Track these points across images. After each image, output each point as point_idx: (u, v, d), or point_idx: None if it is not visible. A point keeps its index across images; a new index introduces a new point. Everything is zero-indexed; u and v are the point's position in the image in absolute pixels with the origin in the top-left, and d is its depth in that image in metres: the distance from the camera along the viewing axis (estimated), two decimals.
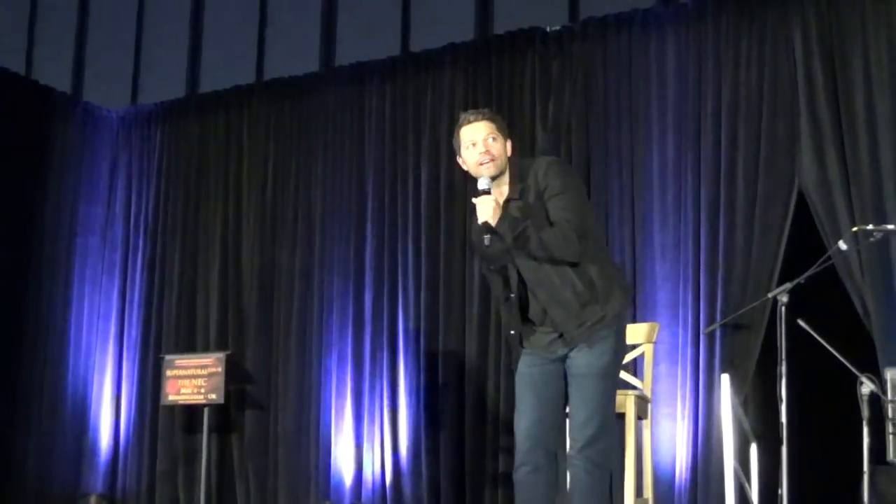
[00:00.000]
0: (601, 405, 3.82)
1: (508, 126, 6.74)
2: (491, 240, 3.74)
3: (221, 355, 7.22)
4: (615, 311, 3.87)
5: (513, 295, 3.91)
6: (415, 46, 7.35)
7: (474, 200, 3.80)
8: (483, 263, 4.04)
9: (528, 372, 3.93)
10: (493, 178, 3.84)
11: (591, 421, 3.78)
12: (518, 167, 3.91)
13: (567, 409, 3.95)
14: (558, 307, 3.82)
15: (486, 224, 3.74)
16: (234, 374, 7.32)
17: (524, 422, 3.87)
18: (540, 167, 3.87)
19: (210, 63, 8.19)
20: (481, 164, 3.83)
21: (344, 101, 7.48)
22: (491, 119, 3.91)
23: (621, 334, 3.93)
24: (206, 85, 8.18)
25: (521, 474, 3.84)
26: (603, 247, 4.28)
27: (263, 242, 7.63)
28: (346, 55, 7.61)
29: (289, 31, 7.83)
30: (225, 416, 7.45)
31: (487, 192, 3.78)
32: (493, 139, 3.87)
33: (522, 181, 3.86)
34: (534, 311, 3.90)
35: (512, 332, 3.97)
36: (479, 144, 3.85)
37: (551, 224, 3.79)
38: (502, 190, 3.88)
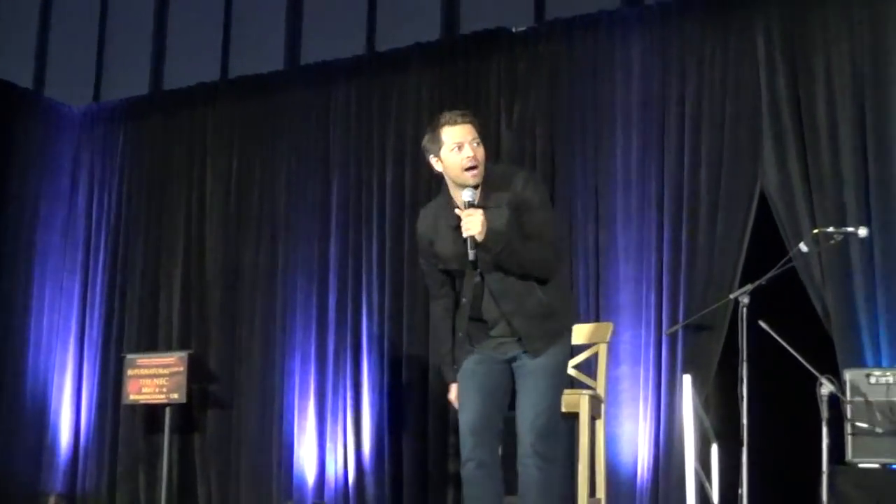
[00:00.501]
0: (551, 404, 3.84)
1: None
2: (476, 254, 3.68)
3: (184, 354, 7.18)
4: (571, 323, 4.00)
5: (465, 300, 3.88)
6: (381, 46, 7.34)
7: (462, 213, 3.71)
8: (432, 261, 3.98)
9: (474, 370, 3.92)
10: (475, 187, 3.77)
11: (542, 418, 3.79)
12: (490, 173, 3.84)
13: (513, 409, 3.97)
14: (523, 317, 3.83)
15: (472, 238, 3.67)
16: (197, 373, 7.28)
17: (469, 418, 3.86)
18: (518, 180, 3.82)
19: (174, 60, 8.14)
20: (467, 170, 3.76)
21: (309, 100, 7.46)
22: (473, 122, 3.84)
23: (570, 341, 4.03)
24: (171, 82, 8.13)
25: (468, 470, 3.83)
26: (563, 263, 4.29)
27: (227, 241, 7.60)
28: (311, 53, 7.59)
29: (254, 29, 7.79)
30: (187, 415, 7.40)
31: (473, 205, 3.71)
32: (478, 144, 3.81)
33: (496, 189, 3.81)
34: (490, 316, 3.88)
35: (461, 333, 3.93)
36: (465, 148, 3.77)
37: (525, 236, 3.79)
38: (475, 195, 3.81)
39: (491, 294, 3.84)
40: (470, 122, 3.82)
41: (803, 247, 5.11)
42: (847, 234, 5.12)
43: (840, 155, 5.73)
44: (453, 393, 4.01)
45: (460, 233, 3.72)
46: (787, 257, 5.08)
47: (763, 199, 5.92)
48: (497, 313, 3.85)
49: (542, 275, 3.82)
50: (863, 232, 5.01)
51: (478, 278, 3.84)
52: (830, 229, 5.23)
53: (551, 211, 3.91)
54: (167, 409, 7.16)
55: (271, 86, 7.61)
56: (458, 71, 6.96)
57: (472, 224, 3.66)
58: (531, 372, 3.84)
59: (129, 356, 7.39)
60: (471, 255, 3.68)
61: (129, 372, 7.29)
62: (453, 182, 3.84)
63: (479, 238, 3.67)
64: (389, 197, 7.03)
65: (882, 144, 5.65)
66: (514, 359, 3.90)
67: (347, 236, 7.15)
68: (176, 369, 7.13)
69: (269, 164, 7.55)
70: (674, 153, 6.19)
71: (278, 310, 7.31)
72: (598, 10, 6.54)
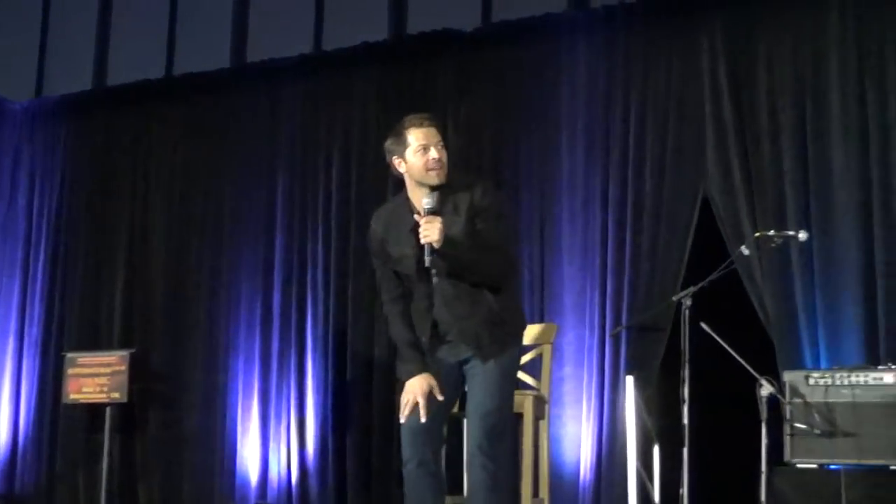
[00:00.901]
0: (500, 406, 3.86)
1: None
2: (432, 261, 3.72)
3: (125, 353, 7.12)
4: (521, 331, 4.03)
5: (424, 303, 3.91)
6: (328, 45, 7.31)
7: (421, 220, 3.74)
8: (385, 261, 4.01)
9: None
10: (434, 189, 3.81)
11: (490, 419, 3.80)
12: (449, 180, 3.87)
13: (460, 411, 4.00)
14: (475, 323, 3.86)
15: (430, 244, 3.70)
16: (139, 372, 7.21)
17: (413, 417, 3.85)
18: (478, 188, 3.86)
19: (119, 56, 8.04)
20: (431, 171, 3.81)
21: (255, 99, 7.42)
22: (437, 126, 3.89)
23: (519, 348, 4.05)
24: (115, 78, 8.04)
25: (409, 469, 3.84)
26: (515, 273, 4.32)
27: (171, 240, 7.54)
28: (258, 52, 7.54)
29: (199, 26, 7.72)
30: (128, 415, 7.33)
31: (434, 212, 3.74)
32: (442, 147, 3.86)
33: (454, 195, 3.84)
34: (442, 319, 3.91)
35: (423, 338, 3.95)
36: (431, 150, 3.82)
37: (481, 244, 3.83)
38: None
39: (443, 299, 3.87)
40: (435, 126, 3.87)
41: (744, 250, 5.18)
42: (787, 238, 5.19)
43: (781, 160, 5.82)
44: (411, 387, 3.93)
45: (416, 236, 3.76)
46: (729, 260, 5.14)
47: (706, 202, 5.99)
48: (449, 318, 3.88)
49: (495, 283, 3.86)
50: (802, 236, 5.08)
51: (434, 279, 3.86)
52: (771, 233, 5.30)
53: (508, 221, 3.98)
54: (108, 409, 7.09)
55: (217, 84, 7.55)
56: (406, 71, 6.96)
57: (431, 231, 3.69)
58: (481, 374, 3.86)
59: (70, 355, 7.31)
60: (427, 261, 3.72)
61: (70, 371, 7.20)
62: (415, 183, 3.87)
63: (437, 245, 3.69)
64: (335, 197, 7.01)
65: (821, 151, 5.75)
66: (465, 361, 3.92)
67: (293, 236, 7.12)
68: (117, 368, 7.06)
69: (214, 163, 7.49)
70: (618, 156, 6.25)
71: (222, 309, 7.26)
72: (545, 13, 6.57)
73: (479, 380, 3.88)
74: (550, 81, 6.52)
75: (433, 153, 3.82)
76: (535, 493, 4.91)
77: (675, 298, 5.08)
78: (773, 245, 5.31)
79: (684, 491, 4.74)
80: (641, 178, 6.15)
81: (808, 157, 5.77)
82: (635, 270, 6.07)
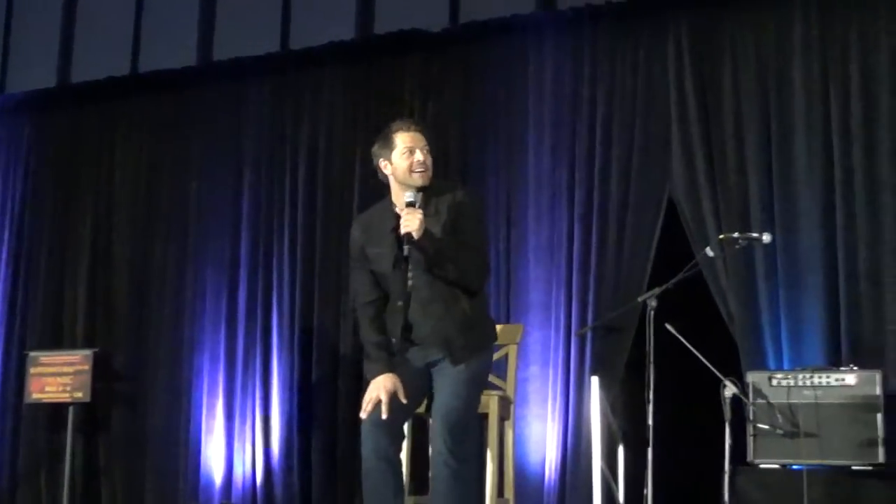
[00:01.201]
0: (467, 406, 3.90)
1: (387, 126, 6.79)
2: (409, 250, 3.83)
3: (89, 353, 7.07)
4: (492, 339, 4.14)
5: (400, 303, 3.98)
6: (295, 44, 7.27)
7: (403, 212, 3.88)
8: (364, 264, 4.09)
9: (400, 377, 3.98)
10: (419, 191, 3.95)
11: (455, 416, 3.84)
12: (432, 184, 4.03)
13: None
14: (448, 324, 3.93)
15: (408, 235, 3.82)
16: (103, 371, 7.16)
17: (374, 413, 3.90)
18: (458, 192, 4.04)
19: (83, 52, 7.96)
20: (415, 172, 3.97)
21: (221, 97, 7.40)
22: (424, 132, 4.07)
23: (491, 357, 4.15)
24: (79, 75, 7.96)
25: (368, 462, 3.88)
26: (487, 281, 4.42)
27: (135, 237, 7.49)
28: (224, 50, 7.49)
29: (166, 23, 7.65)
30: (91, 415, 7.28)
31: (414, 206, 3.88)
32: (427, 152, 4.02)
33: (436, 197, 3.99)
34: (416, 320, 3.98)
35: (394, 339, 4.03)
36: (417, 153, 3.98)
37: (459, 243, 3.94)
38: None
39: (418, 300, 3.95)
40: (421, 132, 4.05)
41: (709, 251, 5.20)
42: (751, 240, 5.21)
43: (745, 162, 5.86)
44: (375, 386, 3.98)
45: (397, 235, 3.89)
46: (694, 261, 5.17)
47: (671, 203, 6.03)
48: (422, 319, 3.96)
49: (470, 283, 3.96)
50: (766, 238, 5.11)
51: (409, 281, 3.95)
52: (735, 235, 5.33)
53: (485, 226, 4.15)
54: (71, 409, 7.03)
55: (183, 81, 7.50)
56: (373, 70, 6.96)
57: (411, 222, 3.82)
58: (450, 375, 3.92)
59: (32, 354, 7.25)
60: (405, 250, 3.83)
61: (32, 370, 7.15)
62: (399, 184, 4.01)
63: (416, 235, 3.82)
64: (302, 195, 6.99)
65: (785, 153, 5.79)
66: (434, 363, 3.98)
67: (259, 233, 7.10)
68: (80, 367, 7.01)
69: (179, 161, 7.46)
70: (585, 156, 6.27)
71: (187, 307, 7.22)
72: (512, 14, 6.57)
73: (448, 381, 3.92)
74: (517, 82, 6.54)
75: (418, 156, 3.98)
76: (500, 493, 4.92)
77: (640, 299, 5.10)
78: (737, 247, 5.34)
79: (648, 491, 4.76)
80: (607, 179, 6.18)
81: (773, 160, 5.82)
82: (601, 271, 6.09)
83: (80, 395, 6.98)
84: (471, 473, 3.92)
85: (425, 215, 3.90)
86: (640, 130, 6.15)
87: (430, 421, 3.93)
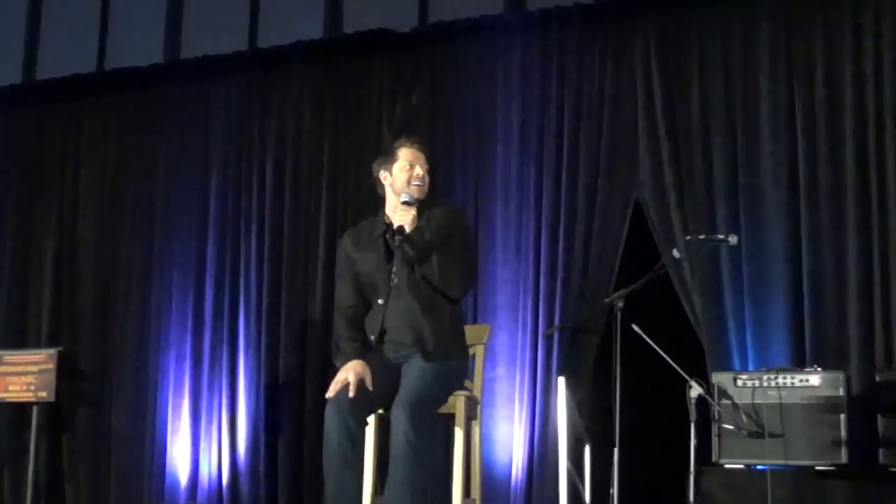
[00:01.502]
0: (431, 392, 4.00)
1: (355, 127, 6.81)
2: (400, 241, 4.09)
3: (53, 352, 7.01)
4: (463, 354, 4.34)
5: (381, 301, 4.18)
6: (263, 42, 7.25)
7: (399, 207, 4.15)
8: (351, 270, 4.31)
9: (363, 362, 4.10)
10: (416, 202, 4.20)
11: (418, 393, 3.94)
12: (428, 202, 4.31)
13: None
14: (425, 327, 4.11)
15: (400, 228, 4.08)
16: (67, 371, 7.11)
17: (341, 394, 3.98)
18: (445, 208, 4.36)
19: (49, 49, 7.89)
20: (413, 185, 4.24)
21: (189, 95, 7.36)
22: (427, 153, 4.37)
23: (463, 371, 4.35)
24: (45, 72, 7.89)
25: (329, 434, 3.95)
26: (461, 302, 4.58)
27: (101, 236, 7.44)
28: (191, 48, 7.45)
29: (133, 20, 7.60)
30: (56, 414, 7.22)
31: (410, 205, 4.15)
32: (427, 170, 4.31)
33: (429, 212, 4.24)
34: (394, 323, 4.17)
35: (371, 337, 4.20)
36: (416, 168, 4.26)
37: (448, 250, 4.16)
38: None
39: (399, 298, 4.15)
40: (423, 150, 4.35)
41: (676, 253, 5.24)
42: (717, 242, 5.25)
43: (712, 166, 5.91)
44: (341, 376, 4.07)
45: (385, 241, 4.18)
46: (661, 263, 5.19)
47: (638, 205, 6.06)
48: (400, 322, 4.15)
49: (451, 289, 4.16)
50: (732, 240, 5.14)
51: (393, 279, 4.15)
52: (702, 237, 5.37)
53: (473, 243, 4.44)
54: (35, 408, 6.98)
55: (150, 79, 7.46)
56: (341, 70, 6.95)
57: (404, 216, 4.10)
58: (419, 367, 4.06)
59: None
60: (396, 240, 4.09)
61: None
62: (396, 194, 4.26)
63: (408, 229, 4.08)
64: (269, 195, 6.97)
65: (751, 156, 5.84)
66: (406, 359, 4.13)
67: (226, 233, 7.07)
68: (45, 367, 6.95)
69: (145, 159, 7.41)
70: (552, 158, 6.29)
71: (153, 306, 7.18)
72: (481, 15, 6.59)
73: (415, 371, 4.05)
74: (485, 83, 6.56)
75: (418, 170, 4.27)
76: (467, 494, 4.92)
77: (607, 300, 5.11)
78: (703, 249, 5.39)
79: (614, 491, 4.78)
80: (575, 181, 6.21)
81: (738, 163, 5.86)
82: (568, 272, 6.11)
83: (44, 394, 6.92)
84: (429, 453, 3.96)
85: (419, 224, 4.14)
86: (607, 132, 6.18)
87: (394, 402, 4.00)
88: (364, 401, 4.02)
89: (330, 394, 4.01)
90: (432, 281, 4.12)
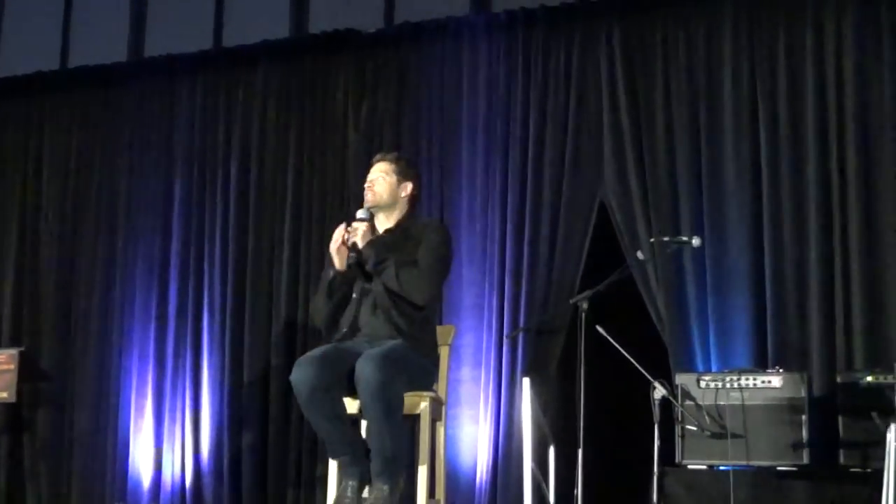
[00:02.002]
0: (395, 359, 4.10)
1: (320, 126, 6.79)
2: (352, 258, 4.32)
3: (14, 351, 6.95)
4: (433, 357, 4.54)
5: (355, 295, 4.41)
6: (228, 41, 7.22)
7: (352, 225, 4.36)
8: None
9: (336, 346, 4.32)
10: (374, 209, 4.47)
11: (383, 352, 4.07)
12: (414, 216, 4.59)
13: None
14: (391, 326, 4.31)
15: (353, 244, 4.32)
16: (28, 371, 7.04)
17: (312, 352, 4.21)
18: (430, 225, 4.60)
19: (10, 46, 7.81)
20: (365, 194, 4.49)
21: (153, 93, 7.31)
22: (389, 160, 4.55)
23: (431, 367, 4.51)
24: (5, 69, 7.81)
25: (301, 394, 4.11)
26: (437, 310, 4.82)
27: (63, 234, 7.38)
28: (156, 46, 7.41)
29: (96, 17, 7.54)
30: (16, 415, 7.15)
31: (364, 221, 4.36)
32: (383, 177, 4.50)
33: (409, 225, 4.49)
34: (365, 319, 4.38)
35: (345, 329, 4.39)
36: (368, 179, 4.52)
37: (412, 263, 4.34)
38: (388, 221, 4.51)
39: (370, 301, 4.37)
40: (387, 161, 4.56)
41: (640, 255, 5.27)
42: (681, 244, 5.28)
43: (676, 168, 5.94)
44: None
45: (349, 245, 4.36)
46: (625, 265, 5.22)
47: (603, 207, 6.09)
48: (371, 318, 4.35)
49: (414, 299, 4.31)
50: (696, 241, 5.16)
51: (365, 283, 4.38)
52: (666, 238, 5.40)
53: (447, 257, 4.48)
54: None
55: (113, 77, 7.41)
56: (306, 70, 6.94)
57: (354, 233, 4.32)
58: (386, 343, 4.23)
59: None
60: (350, 258, 4.32)
61: None
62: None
63: (360, 244, 4.30)
64: (233, 194, 6.94)
65: (715, 159, 5.88)
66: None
67: (190, 232, 7.03)
68: (6, 367, 6.89)
69: (108, 158, 7.36)
70: (518, 159, 6.31)
71: (116, 306, 7.13)
72: (447, 16, 6.60)
73: (386, 344, 4.21)
74: (451, 84, 6.56)
75: (367, 182, 4.52)
76: (432, 494, 4.92)
77: (572, 301, 5.12)
78: (667, 250, 5.42)
79: (578, 491, 4.80)
80: (540, 182, 6.23)
81: (702, 165, 5.90)
82: (533, 273, 6.13)
83: (5, 394, 6.86)
84: (397, 400, 4.12)
85: (398, 242, 4.39)
86: (572, 133, 6.20)
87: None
88: (340, 362, 4.14)
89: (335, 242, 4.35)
90: (393, 289, 4.30)
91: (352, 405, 4.34)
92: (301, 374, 4.08)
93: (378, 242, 4.37)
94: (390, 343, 4.23)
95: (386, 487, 4.07)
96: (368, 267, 4.35)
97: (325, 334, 4.55)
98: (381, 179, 4.51)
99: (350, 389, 4.19)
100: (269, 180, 6.86)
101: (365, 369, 3.99)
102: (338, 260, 4.38)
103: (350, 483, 4.12)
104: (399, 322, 4.30)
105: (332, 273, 4.38)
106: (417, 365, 4.36)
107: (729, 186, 5.83)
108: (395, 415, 4.09)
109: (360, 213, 4.45)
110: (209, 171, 7.05)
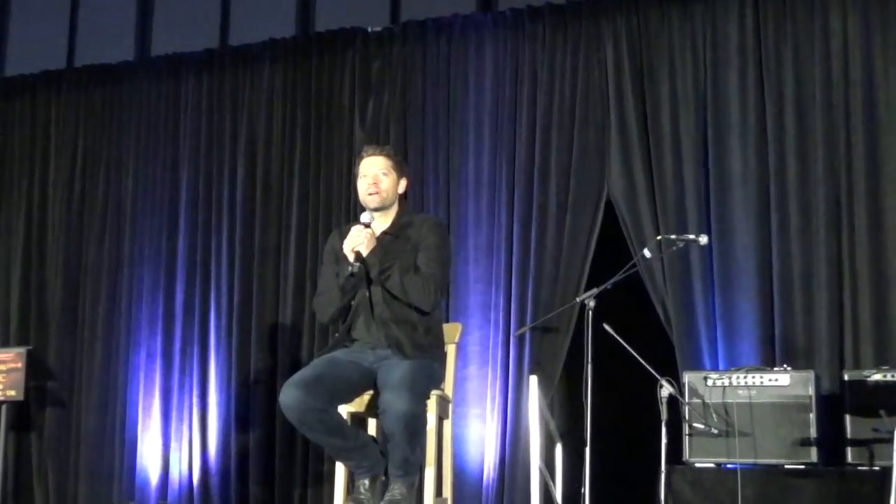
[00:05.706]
0: (420, 381, 4.00)
1: (326, 125, 6.79)
2: (357, 266, 4.11)
3: (22, 350, 6.96)
4: (441, 353, 4.38)
5: (354, 302, 4.23)
6: (234, 40, 7.24)
7: (353, 229, 4.16)
8: (336, 270, 4.33)
9: (337, 356, 4.19)
10: (377, 210, 4.27)
11: (408, 379, 3.95)
12: (407, 212, 4.38)
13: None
14: (397, 326, 4.16)
15: (357, 252, 4.10)
16: (36, 369, 7.06)
17: (304, 372, 4.05)
18: (426, 222, 4.32)
19: (18, 45, 7.85)
20: (369, 195, 4.25)
21: (159, 92, 7.32)
22: (388, 156, 4.32)
23: (439, 372, 4.35)
24: (13, 68, 7.84)
25: (291, 418, 4.00)
26: (441, 307, 4.62)
27: (70, 233, 7.39)
28: (162, 45, 7.43)
29: (103, 17, 7.58)
30: (24, 413, 7.17)
31: (367, 226, 4.17)
32: (384, 174, 4.27)
33: (406, 223, 4.29)
34: (369, 325, 4.22)
35: (345, 335, 4.26)
36: (369, 177, 4.25)
37: (417, 269, 4.17)
38: (385, 221, 4.30)
39: (375, 303, 4.19)
40: (382, 155, 4.31)
41: (647, 252, 5.26)
42: (688, 241, 5.28)
43: (683, 165, 5.94)
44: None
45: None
46: (632, 262, 5.22)
47: (610, 205, 6.09)
48: (375, 325, 4.19)
49: (420, 305, 4.17)
50: (703, 239, 5.18)
51: (366, 291, 4.20)
52: (672, 236, 5.40)
53: (448, 257, 4.34)
54: (3, 407, 6.92)
55: (120, 76, 7.42)
56: (312, 68, 6.93)
57: (356, 239, 4.12)
58: (398, 365, 4.06)
59: None
60: (354, 267, 4.11)
61: None
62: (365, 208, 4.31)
63: (364, 252, 4.11)
64: (240, 193, 6.95)
65: (721, 156, 5.89)
66: (383, 359, 4.14)
67: (196, 231, 7.04)
68: (13, 366, 6.90)
69: (115, 156, 7.37)
70: (524, 157, 6.31)
71: (123, 305, 7.14)
72: (453, 14, 6.61)
73: (396, 367, 4.05)
74: (457, 83, 6.56)
75: (370, 179, 4.26)
76: (439, 493, 4.92)
77: (578, 299, 5.14)
78: (674, 248, 5.42)
79: (586, 489, 4.81)
80: (546, 180, 6.22)
81: (709, 163, 5.90)
82: (540, 271, 6.13)
83: (13, 393, 6.87)
84: (423, 423, 4.02)
85: (388, 233, 4.22)
86: (578, 131, 6.20)
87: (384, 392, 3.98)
88: (326, 385, 4.02)
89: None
90: (398, 297, 4.16)
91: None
92: (288, 399, 3.98)
93: (380, 249, 4.17)
94: (405, 366, 4.05)
95: (404, 489, 4.03)
96: (373, 275, 4.16)
97: (331, 335, 4.49)
98: (383, 178, 4.28)
99: (344, 397, 4.16)
100: (276, 179, 6.87)
101: (393, 405, 3.88)
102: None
103: (363, 481, 4.11)
104: (399, 337, 4.13)
105: (349, 270, 4.15)
106: (433, 377, 4.27)
107: (735, 184, 5.83)
108: (420, 436, 4.03)
109: (364, 218, 4.25)
110: (215, 170, 7.05)
